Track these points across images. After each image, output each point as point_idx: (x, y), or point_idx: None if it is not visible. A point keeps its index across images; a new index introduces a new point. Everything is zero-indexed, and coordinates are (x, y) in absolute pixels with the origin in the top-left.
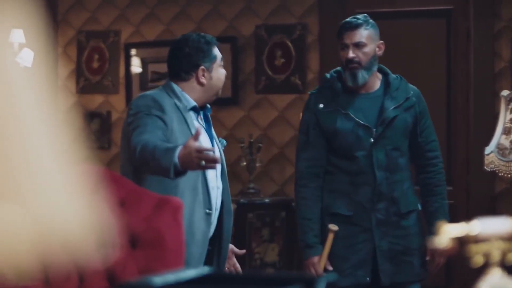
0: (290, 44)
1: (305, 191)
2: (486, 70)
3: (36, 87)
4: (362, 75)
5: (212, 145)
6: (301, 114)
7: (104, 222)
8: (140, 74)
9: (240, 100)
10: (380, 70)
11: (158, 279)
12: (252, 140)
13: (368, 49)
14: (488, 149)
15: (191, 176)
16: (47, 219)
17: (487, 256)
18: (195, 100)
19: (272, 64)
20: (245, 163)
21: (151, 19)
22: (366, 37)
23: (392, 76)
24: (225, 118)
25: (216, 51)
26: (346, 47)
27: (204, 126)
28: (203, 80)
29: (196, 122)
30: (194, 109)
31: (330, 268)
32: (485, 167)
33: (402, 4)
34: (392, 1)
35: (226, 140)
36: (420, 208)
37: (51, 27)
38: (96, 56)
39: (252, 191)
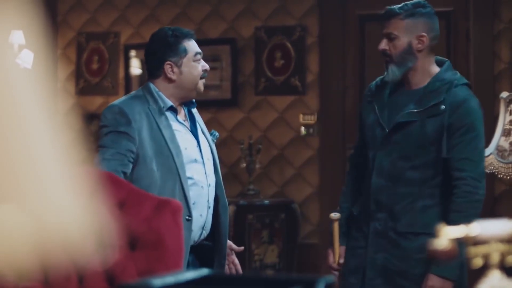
0: (289, 46)
1: (347, 179)
2: (486, 72)
3: (36, 88)
4: (392, 70)
5: (197, 140)
6: (301, 115)
7: (104, 224)
8: (140, 76)
9: (240, 102)
10: (441, 65)
11: (157, 281)
12: (251, 141)
13: (401, 42)
14: (487, 151)
15: (169, 185)
16: (47, 220)
17: (486, 258)
18: (171, 98)
19: (271, 65)
20: (244, 165)
21: (150, 20)
22: (400, 28)
23: (440, 76)
24: (225, 120)
25: (188, 45)
26: (382, 36)
27: (188, 123)
28: (171, 75)
29: (175, 123)
30: (172, 108)
31: (341, 261)
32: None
33: None
34: (392, 2)
35: (226, 141)
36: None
37: (50, 28)
38: (96, 58)
39: (251, 192)
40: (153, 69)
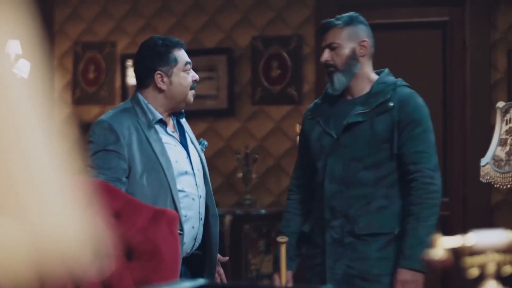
0: (286, 56)
1: (287, 204)
2: (482, 81)
3: (32, 97)
4: (338, 78)
5: (187, 151)
6: (297, 125)
7: (100, 234)
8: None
9: (236, 111)
10: (379, 73)
11: None
12: (248, 151)
13: (344, 49)
14: (483, 161)
15: (160, 200)
16: (43, 230)
17: (482, 268)
18: (160, 109)
19: (268, 75)
20: (241, 174)
21: (147, 30)
22: (341, 37)
23: (382, 80)
24: (221, 129)
25: (178, 54)
26: (323, 49)
27: (177, 134)
28: (161, 85)
29: (165, 135)
30: (161, 121)
31: (290, 284)
32: (481, 179)
33: (398, 16)
34: (388, 12)
35: (222, 151)
36: (396, 232)
37: (47, 38)
38: (92, 67)
39: (248, 202)
40: (142, 79)
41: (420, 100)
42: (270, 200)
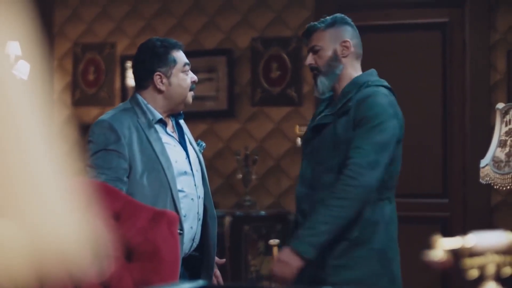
0: (286, 57)
1: None
2: (481, 82)
3: (32, 99)
4: (321, 81)
5: (186, 152)
6: (297, 126)
7: (99, 235)
8: None
9: (236, 112)
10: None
11: None
12: (248, 152)
13: (326, 52)
14: (483, 162)
15: (160, 199)
16: (43, 231)
17: (482, 269)
18: (159, 110)
19: (268, 76)
20: (241, 175)
21: (147, 31)
22: (323, 39)
23: (356, 79)
24: (221, 130)
25: (176, 55)
26: (307, 53)
27: (177, 135)
28: (160, 86)
29: (165, 135)
30: (161, 121)
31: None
32: (480, 180)
33: (397, 17)
34: (387, 14)
35: (222, 152)
36: (352, 238)
37: (47, 39)
38: (92, 68)
39: (248, 203)
40: (141, 80)
41: (379, 99)
42: (270, 201)
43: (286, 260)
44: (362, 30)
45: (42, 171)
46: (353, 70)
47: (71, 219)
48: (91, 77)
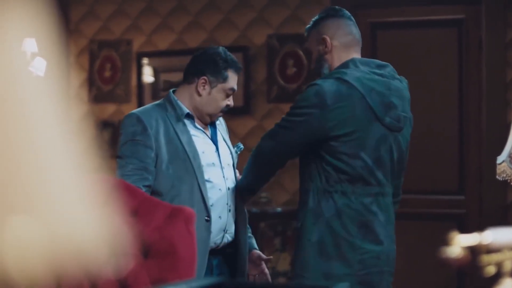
0: (302, 53)
1: None
2: (498, 80)
3: (48, 96)
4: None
5: (217, 148)
6: None
7: (116, 232)
8: (152, 83)
9: (252, 109)
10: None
11: None
12: None
13: (314, 54)
14: (500, 158)
15: (186, 187)
16: (59, 228)
17: (499, 266)
18: (189, 107)
19: (284, 73)
20: None
21: (163, 28)
22: (310, 42)
23: (327, 74)
24: (237, 127)
25: (231, 75)
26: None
27: (209, 131)
28: (201, 90)
29: (193, 129)
30: (189, 116)
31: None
32: (497, 177)
33: (413, 14)
34: (403, 10)
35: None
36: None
37: (63, 36)
38: (108, 65)
39: (264, 200)
40: (189, 74)
41: (310, 89)
42: (286, 198)
43: None
44: (377, 27)
45: (59, 168)
46: (339, 62)
47: (88, 216)
48: (107, 74)
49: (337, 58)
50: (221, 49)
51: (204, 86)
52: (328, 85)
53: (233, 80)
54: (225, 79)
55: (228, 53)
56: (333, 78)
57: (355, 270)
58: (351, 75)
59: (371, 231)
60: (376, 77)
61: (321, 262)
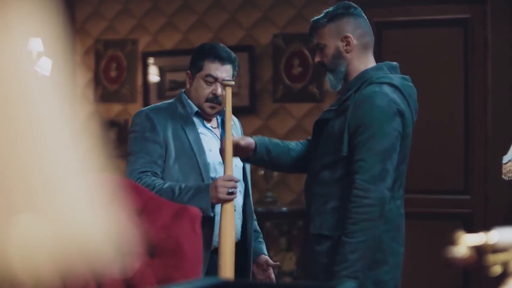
0: (307, 53)
1: None
2: (503, 79)
3: (54, 95)
4: (329, 78)
5: None
6: None
7: (123, 231)
8: (158, 83)
9: (258, 109)
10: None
11: None
12: None
13: (329, 49)
14: (505, 158)
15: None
16: (66, 228)
17: (505, 265)
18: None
19: (289, 72)
20: (262, 172)
21: (168, 28)
22: (325, 35)
23: (363, 74)
24: (243, 127)
25: (207, 64)
26: (315, 50)
27: (219, 131)
28: (188, 83)
29: (202, 127)
30: (198, 114)
31: None
32: (502, 176)
33: (419, 13)
34: (409, 10)
35: None
36: (336, 237)
37: (69, 36)
38: (114, 65)
39: (269, 199)
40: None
41: (378, 101)
42: (292, 197)
43: None
44: (384, 26)
45: (65, 167)
46: (360, 63)
47: (94, 216)
48: (113, 73)
49: (357, 58)
50: (207, 43)
51: (188, 79)
52: (390, 92)
53: (210, 67)
54: (200, 67)
55: (214, 45)
56: (385, 84)
57: (398, 274)
58: (396, 80)
59: (401, 234)
60: (406, 82)
61: (371, 269)
